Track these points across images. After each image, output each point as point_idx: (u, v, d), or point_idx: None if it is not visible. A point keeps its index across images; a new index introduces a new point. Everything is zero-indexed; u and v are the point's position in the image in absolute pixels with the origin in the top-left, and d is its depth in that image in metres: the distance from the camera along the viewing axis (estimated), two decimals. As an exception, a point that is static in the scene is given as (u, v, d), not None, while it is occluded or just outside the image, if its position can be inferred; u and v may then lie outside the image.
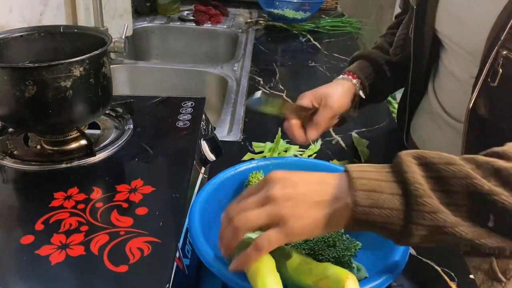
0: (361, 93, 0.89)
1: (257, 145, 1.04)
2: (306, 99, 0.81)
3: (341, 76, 0.91)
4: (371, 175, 0.50)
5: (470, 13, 0.74)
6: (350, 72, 0.91)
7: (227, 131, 1.13)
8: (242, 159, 1.01)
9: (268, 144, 1.03)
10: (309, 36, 1.89)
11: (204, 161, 0.87)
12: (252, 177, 0.72)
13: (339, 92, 0.84)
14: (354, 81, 0.89)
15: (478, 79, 0.70)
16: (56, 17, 1.28)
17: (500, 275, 0.81)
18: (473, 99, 0.72)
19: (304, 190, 0.51)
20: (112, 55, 1.51)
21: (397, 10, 1.17)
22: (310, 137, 0.79)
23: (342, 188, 0.50)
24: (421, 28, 0.84)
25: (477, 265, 0.82)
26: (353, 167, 0.52)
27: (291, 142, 0.90)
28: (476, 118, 0.73)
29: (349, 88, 0.87)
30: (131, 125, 0.86)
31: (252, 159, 1.00)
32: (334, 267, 0.52)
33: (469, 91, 0.76)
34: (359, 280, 0.57)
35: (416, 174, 0.48)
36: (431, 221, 0.47)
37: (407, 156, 0.50)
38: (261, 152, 1.01)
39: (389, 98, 1.72)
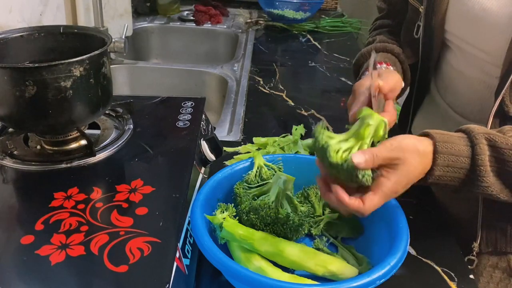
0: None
1: (257, 140, 1.05)
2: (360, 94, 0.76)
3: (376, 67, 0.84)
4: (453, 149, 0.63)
5: (487, 13, 0.74)
6: (385, 62, 0.87)
7: (227, 131, 1.13)
8: (239, 151, 1.02)
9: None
10: (309, 36, 1.89)
11: (204, 161, 0.87)
12: (237, 188, 0.73)
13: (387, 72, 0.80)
14: (391, 68, 0.85)
15: (505, 80, 0.70)
16: (56, 17, 1.28)
17: None
18: (499, 99, 0.72)
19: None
20: (112, 55, 1.51)
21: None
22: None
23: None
24: (430, 29, 0.84)
25: (494, 264, 0.83)
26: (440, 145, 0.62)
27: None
28: (501, 116, 0.73)
29: (394, 73, 0.82)
30: (131, 125, 0.86)
31: (247, 152, 1.01)
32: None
33: (481, 89, 0.78)
34: (363, 272, 0.61)
35: (485, 156, 0.61)
36: (481, 191, 0.63)
37: (482, 139, 0.62)
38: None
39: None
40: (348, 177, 0.60)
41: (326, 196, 0.63)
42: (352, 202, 0.60)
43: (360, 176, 0.59)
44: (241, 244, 0.65)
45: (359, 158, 0.58)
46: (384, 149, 0.60)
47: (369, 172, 0.60)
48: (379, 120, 0.61)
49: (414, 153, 0.61)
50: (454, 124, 0.86)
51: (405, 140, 0.62)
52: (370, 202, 0.60)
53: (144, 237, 0.60)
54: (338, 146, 0.60)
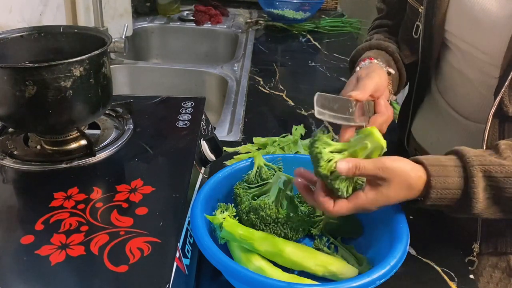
0: (390, 70, 0.85)
1: (257, 140, 1.05)
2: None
3: (358, 67, 0.85)
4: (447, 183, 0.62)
5: (486, 14, 0.74)
6: (368, 57, 0.86)
7: (227, 131, 1.13)
8: (239, 151, 1.02)
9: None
10: (309, 36, 1.89)
11: (204, 161, 0.87)
12: (237, 188, 0.73)
13: (366, 71, 0.80)
14: (375, 61, 0.85)
15: (504, 80, 0.70)
16: (56, 17, 1.28)
17: None
18: (498, 99, 0.72)
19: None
20: (112, 55, 1.51)
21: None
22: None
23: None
24: (430, 29, 0.84)
25: (494, 264, 0.83)
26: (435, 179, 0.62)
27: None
28: (500, 116, 0.73)
29: (376, 67, 0.83)
30: (131, 125, 0.86)
31: (247, 152, 1.01)
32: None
33: (481, 89, 0.78)
34: (363, 272, 0.60)
35: (479, 188, 0.61)
36: (473, 216, 0.63)
37: (477, 172, 0.61)
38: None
39: (389, 98, 1.72)
40: (329, 186, 0.62)
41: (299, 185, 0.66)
42: (323, 200, 0.62)
43: (338, 193, 0.61)
44: (241, 244, 0.65)
45: (342, 165, 0.60)
46: (372, 165, 0.60)
47: (349, 190, 0.62)
48: (377, 144, 0.61)
49: (402, 184, 0.61)
50: (454, 124, 0.87)
51: (399, 166, 0.61)
52: (340, 208, 0.62)
53: (144, 237, 0.60)
54: (331, 156, 0.61)
